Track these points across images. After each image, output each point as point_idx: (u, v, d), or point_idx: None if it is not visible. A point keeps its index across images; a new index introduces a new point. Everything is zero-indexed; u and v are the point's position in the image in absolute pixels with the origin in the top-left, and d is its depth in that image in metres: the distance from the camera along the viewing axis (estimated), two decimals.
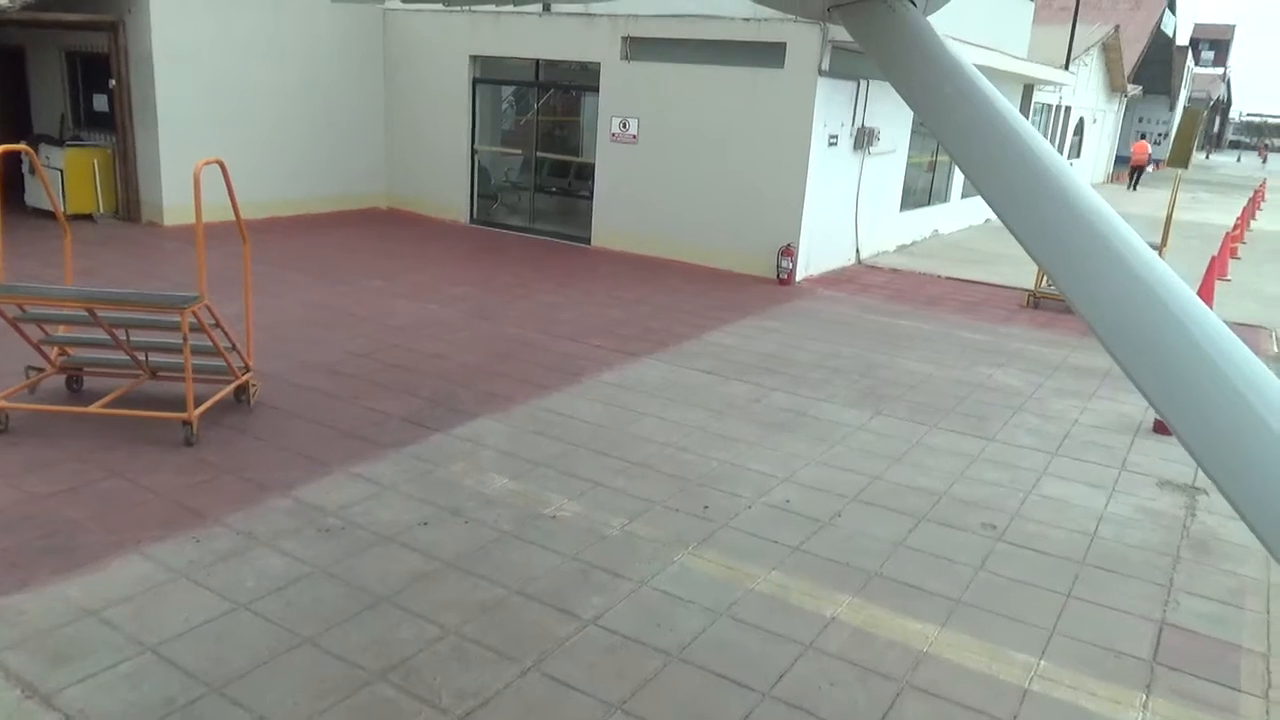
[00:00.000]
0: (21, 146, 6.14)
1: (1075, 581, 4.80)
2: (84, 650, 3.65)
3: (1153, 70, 39.31)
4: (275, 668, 3.65)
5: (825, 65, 11.39)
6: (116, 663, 3.60)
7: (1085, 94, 27.89)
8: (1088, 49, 26.85)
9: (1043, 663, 4.06)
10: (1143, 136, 37.03)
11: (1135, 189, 30.94)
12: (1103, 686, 3.93)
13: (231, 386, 6.20)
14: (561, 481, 5.54)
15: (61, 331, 6.27)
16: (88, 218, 12.49)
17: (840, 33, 10.92)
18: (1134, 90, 36.31)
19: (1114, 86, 32.72)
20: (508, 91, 15.18)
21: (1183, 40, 47.98)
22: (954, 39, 12.16)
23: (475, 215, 14.78)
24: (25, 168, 12.51)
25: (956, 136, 1.77)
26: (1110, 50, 30.20)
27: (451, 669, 3.72)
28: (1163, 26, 38.38)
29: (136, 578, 4.19)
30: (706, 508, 5.33)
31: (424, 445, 5.91)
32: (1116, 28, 29.78)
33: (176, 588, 4.14)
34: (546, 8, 13.01)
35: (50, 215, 11.32)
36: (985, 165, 1.70)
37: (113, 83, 12.36)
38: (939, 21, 2.08)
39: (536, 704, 3.55)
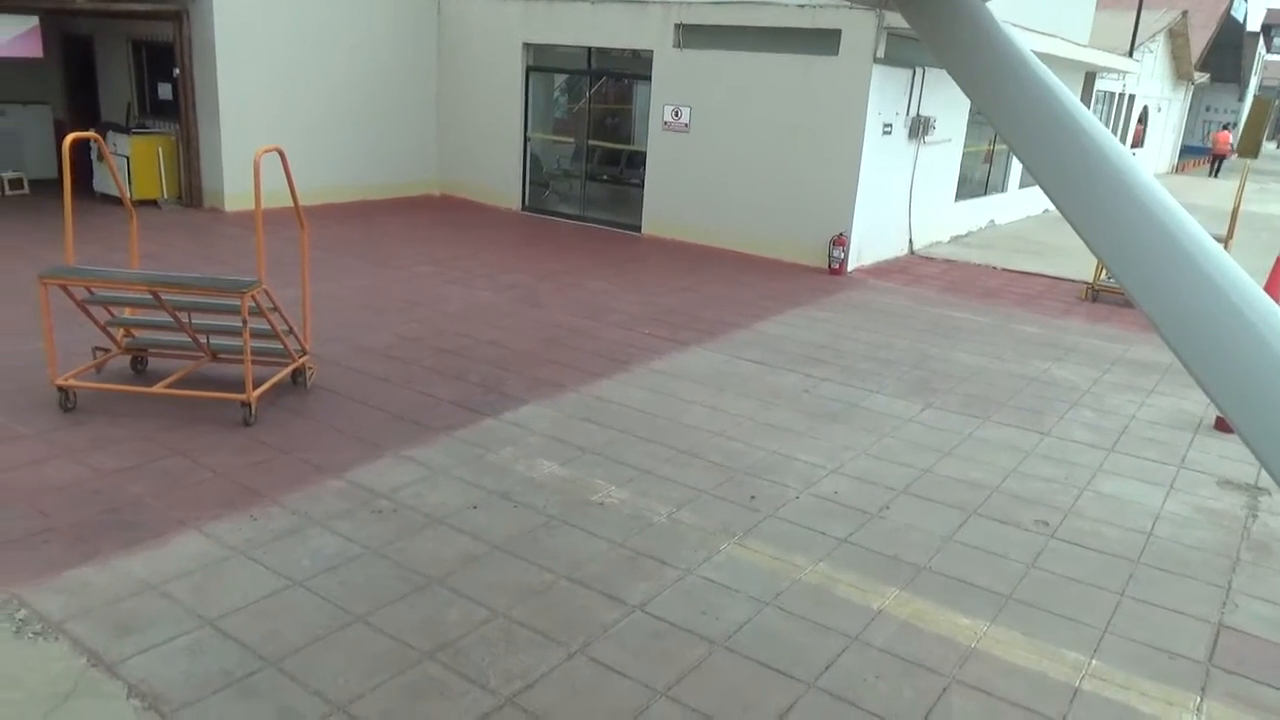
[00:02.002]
0: (91, 134, 6.32)
1: (1130, 581, 4.71)
2: (146, 622, 3.78)
3: (1221, 57, 38.06)
4: (328, 644, 3.74)
5: (880, 52, 11.23)
6: (176, 635, 3.71)
7: (1150, 82, 27.12)
8: (1153, 35, 26.07)
9: (1094, 662, 4.00)
10: (1225, 127, 36.44)
11: (1216, 176, 31.20)
12: (1156, 687, 3.85)
13: (288, 369, 6.33)
14: (609, 468, 5.57)
15: (127, 314, 6.45)
16: (152, 203, 12.81)
17: (896, 19, 10.76)
18: (1201, 78, 35.20)
19: (1180, 74, 31.75)
20: (560, 79, 15.23)
21: (1254, 26, 46.39)
22: (1014, 25, 11.90)
23: (527, 203, 14.87)
24: (94, 155, 12.88)
25: (1014, 125, 1.74)
26: (1177, 36, 29.29)
27: (499, 651, 3.77)
28: (1233, 12, 37.14)
29: (196, 553, 4.32)
30: (753, 497, 5.32)
31: (474, 430, 5.99)
32: (1184, 13, 28.85)
33: (234, 564, 4.26)
34: None
35: (117, 201, 11.65)
36: (1044, 155, 1.67)
37: (177, 71, 12.65)
38: (999, 7, 2.05)
39: (582, 687, 3.59)
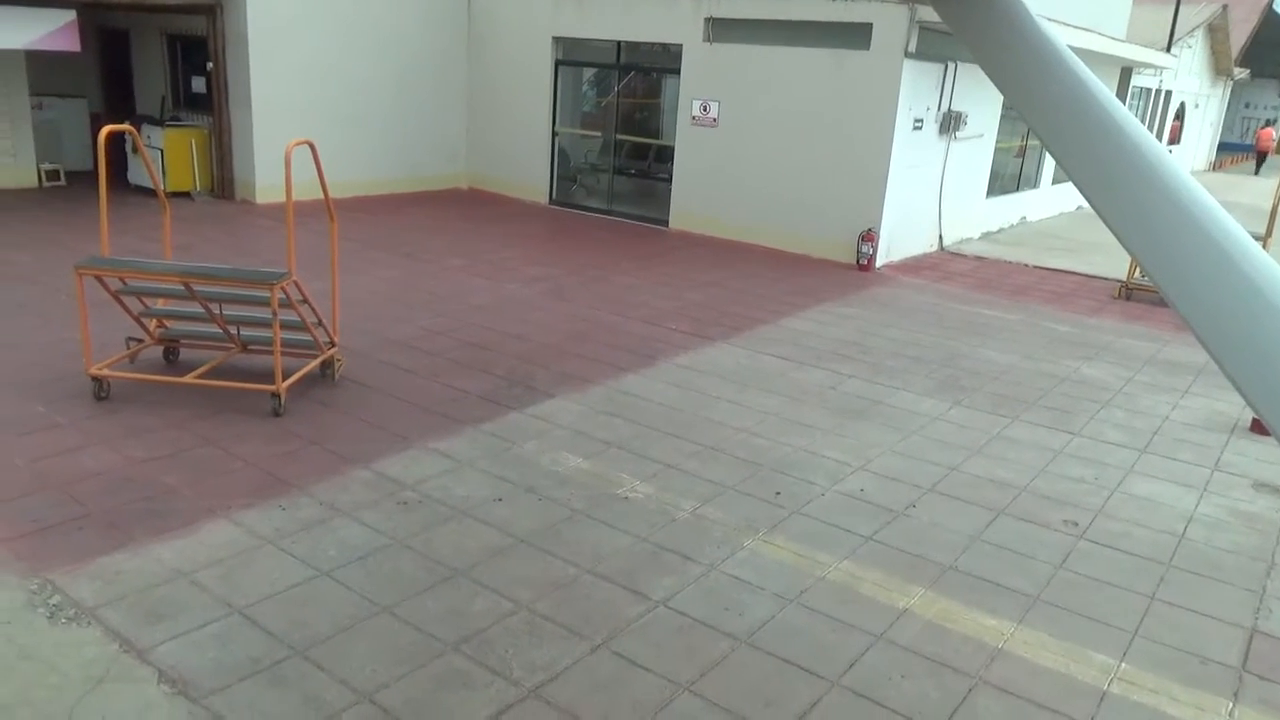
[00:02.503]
0: (126, 127, 6.40)
1: (1161, 584, 4.64)
2: (176, 609, 3.83)
3: (1262, 53, 37.30)
4: (354, 634, 3.77)
5: (912, 47, 11.13)
6: (206, 623, 3.76)
7: (1187, 78, 26.66)
8: (1192, 30, 25.63)
9: (1123, 665, 3.95)
10: (1269, 123, 35.80)
11: (1258, 173, 30.95)
12: (1186, 692, 3.80)
13: (317, 361, 6.39)
14: (634, 463, 5.57)
15: (160, 304, 6.54)
16: (185, 195, 12.97)
17: (928, 13, 10.66)
18: (1240, 74, 34.56)
19: (1219, 70, 31.20)
20: (589, 73, 15.23)
21: None
22: (1049, 19, 11.74)
23: (555, 196, 14.90)
24: (128, 147, 13.06)
25: (1048, 121, 1.72)
26: (1216, 31, 28.78)
27: (523, 643, 3.79)
28: (1275, 7, 36.41)
29: (226, 542, 4.37)
30: (778, 494, 5.30)
31: (500, 423, 6.01)
32: (1224, 7, 28.33)
33: (263, 553, 4.30)
34: None
35: (150, 192, 11.81)
36: (1078, 152, 1.65)
37: (210, 65, 12.79)
38: (1034, 1, 2.02)
39: (606, 681, 3.60)
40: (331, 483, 5.04)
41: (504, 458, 5.51)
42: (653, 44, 13.58)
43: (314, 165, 6.12)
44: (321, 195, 6.35)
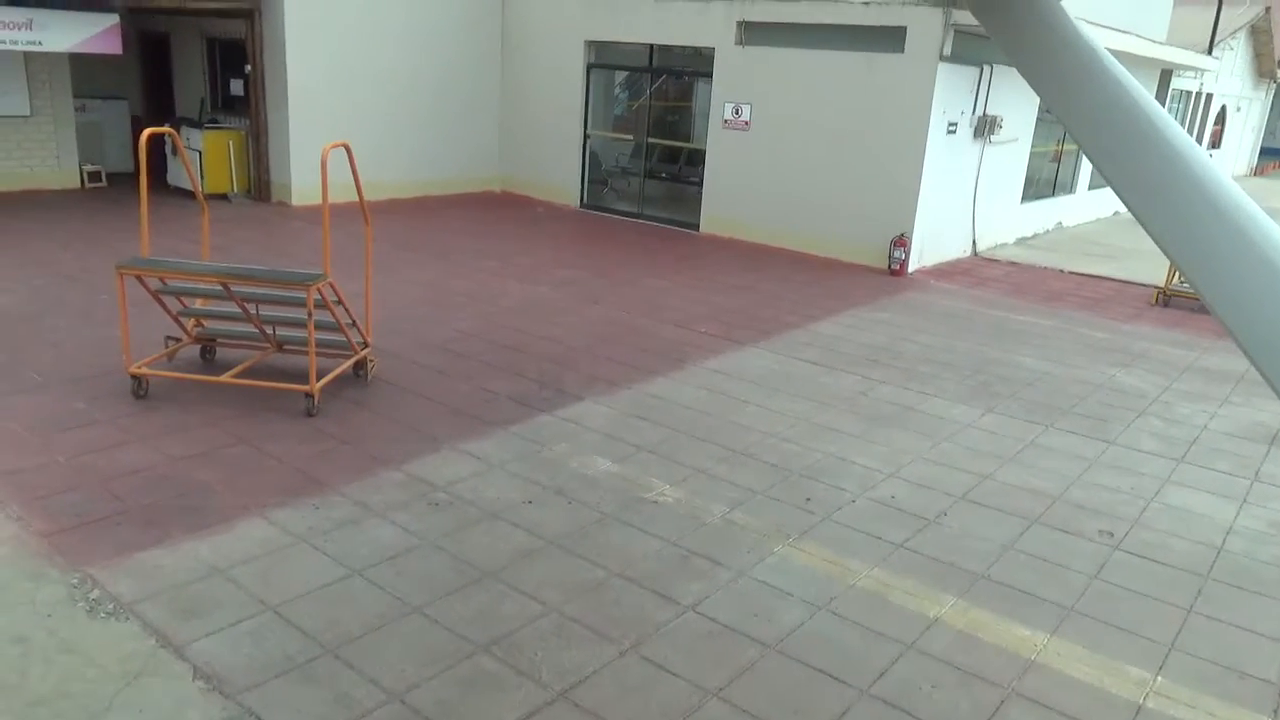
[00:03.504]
0: (166, 129, 6.51)
1: (1198, 596, 4.56)
2: (212, 606, 3.89)
3: None
4: (385, 634, 3.80)
5: (947, 50, 11.04)
6: (241, 620, 3.81)
7: (1229, 80, 26.20)
8: (1234, 32, 25.19)
9: (1159, 679, 3.88)
10: None
11: None
12: (1224, 707, 3.73)
13: (351, 361, 6.46)
14: (663, 466, 5.57)
15: (198, 304, 6.63)
16: (223, 197, 13.16)
17: (964, 16, 10.56)
18: None
19: (1262, 72, 30.62)
20: (620, 77, 15.26)
21: None
22: (1088, 21, 11.61)
23: (586, 200, 14.94)
24: (168, 149, 13.27)
25: (1086, 126, 1.70)
26: (1259, 33, 28.25)
27: (552, 645, 3.80)
28: None
29: (261, 540, 4.43)
30: (809, 499, 5.28)
31: (530, 425, 6.04)
32: (1267, 9, 27.82)
33: (297, 551, 4.35)
34: None
35: (188, 194, 11.99)
36: (1115, 156, 1.63)
37: (249, 67, 12.97)
38: (1073, 3, 2.00)
39: (634, 685, 3.60)
40: (364, 482, 5.08)
41: (534, 460, 5.53)
42: (685, 47, 13.58)
43: (350, 168, 6.19)
44: (356, 197, 6.42)
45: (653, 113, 14.87)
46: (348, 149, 6.05)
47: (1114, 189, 1.60)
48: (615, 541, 4.67)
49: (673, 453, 5.78)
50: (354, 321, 6.39)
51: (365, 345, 6.57)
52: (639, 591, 4.24)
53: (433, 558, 4.40)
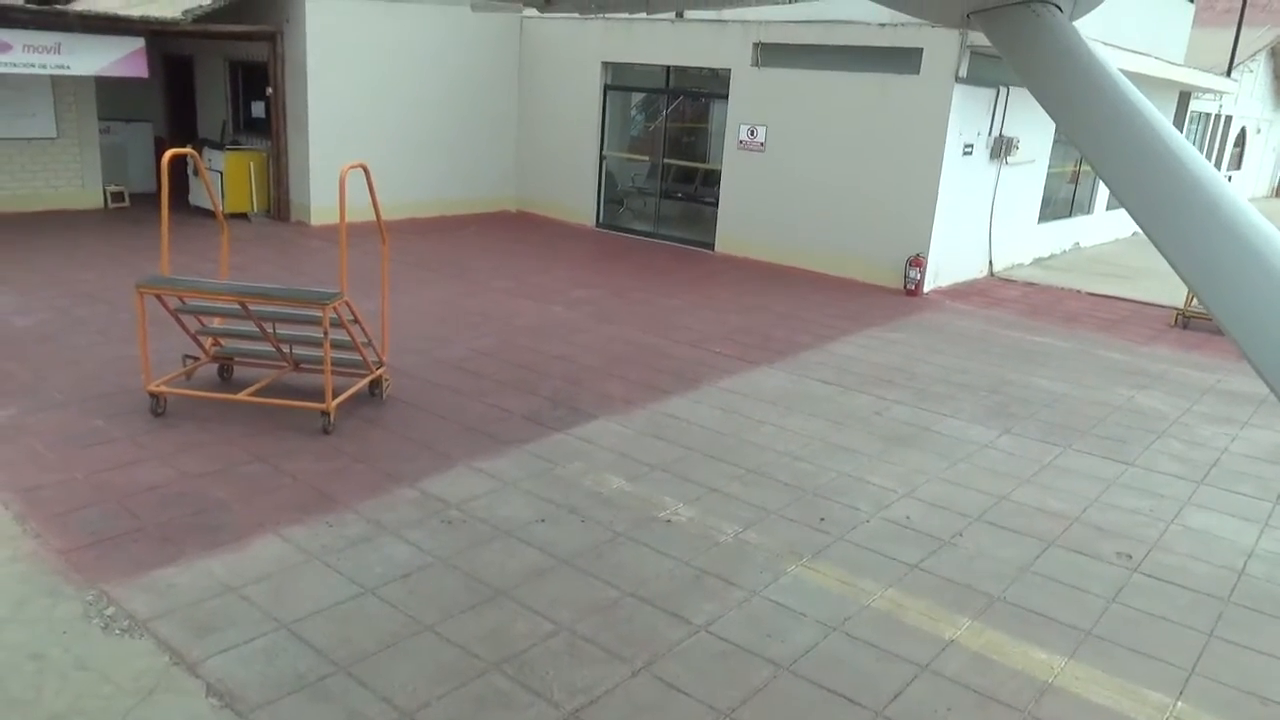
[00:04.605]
0: (188, 150, 6.60)
1: (1219, 620, 4.50)
2: (225, 623, 3.90)
3: None
4: (398, 652, 3.80)
5: (963, 71, 11.06)
6: (253, 637, 3.82)
7: (1249, 102, 26.08)
8: (1254, 54, 25.08)
9: (1179, 704, 3.83)
10: None
11: None
12: None
13: (366, 380, 6.49)
14: (677, 486, 5.56)
15: (216, 323, 6.69)
16: (242, 216, 13.30)
17: (980, 37, 10.57)
18: None
19: None
20: (637, 98, 15.36)
21: None
22: (1106, 44, 11.60)
23: (602, 219, 15.00)
24: (190, 170, 13.43)
25: (1101, 149, 1.70)
26: None
27: (564, 665, 3.79)
28: None
29: (274, 557, 4.44)
30: (823, 519, 5.25)
31: (544, 444, 6.04)
32: None
33: (310, 569, 4.37)
34: (680, 14, 13.10)
35: (209, 213, 12.12)
36: (1131, 180, 1.63)
37: (270, 90, 13.14)
38: (1092, 24, 2.00)
39: (646, 705, 3.58)
40: (378, 500, 5.10)
41: (547, 478, 5.54)
42: (701, 69, 13.66)
43: (367, 188, 6.25)
44: (374, 217, 6.47)
45: (669, 133, 14.94)
46: (365, 170, 6.11)
47: (1127, 210, 1.60)
48: (628, 560, 4.66)
49: (686, 472, 5.77)
50: (369, 340, 6.43)
51: (380, 364, 6.61)
52: (651, 611, 4.23)
53: (445, 576, 4.40)
